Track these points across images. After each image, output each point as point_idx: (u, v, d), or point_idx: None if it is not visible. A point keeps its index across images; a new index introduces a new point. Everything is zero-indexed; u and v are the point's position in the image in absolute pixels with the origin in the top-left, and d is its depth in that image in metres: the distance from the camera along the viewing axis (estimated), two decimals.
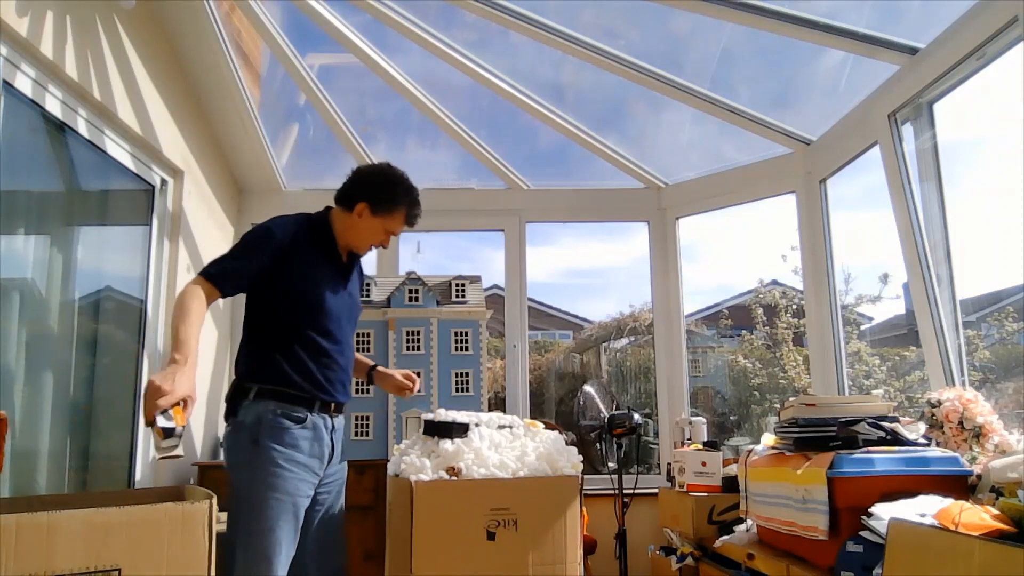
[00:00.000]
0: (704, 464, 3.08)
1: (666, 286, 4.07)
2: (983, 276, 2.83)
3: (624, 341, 6.25)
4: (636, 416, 3.14)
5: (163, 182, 3.20)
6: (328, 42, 3.38)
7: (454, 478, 2.37)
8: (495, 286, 4.79)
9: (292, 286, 2.11)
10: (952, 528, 1.51)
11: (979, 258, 2.82)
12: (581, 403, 3.37)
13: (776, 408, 3.59)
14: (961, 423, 2.24)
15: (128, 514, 1.63)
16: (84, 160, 2.72)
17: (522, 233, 4.11)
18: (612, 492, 3.22)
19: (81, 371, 2.73)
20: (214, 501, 1.73)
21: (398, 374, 2.51)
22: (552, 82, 3.89)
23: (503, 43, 3.65)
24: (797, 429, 2.24)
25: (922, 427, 2.18)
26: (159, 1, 2.96)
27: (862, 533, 1.82)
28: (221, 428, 3.69)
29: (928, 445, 2.09)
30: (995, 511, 1.60)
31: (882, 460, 1.96)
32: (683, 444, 3.44)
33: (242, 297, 2.18)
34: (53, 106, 2.44)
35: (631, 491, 3.23)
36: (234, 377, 2.14)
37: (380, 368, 2.53)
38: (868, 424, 2.10)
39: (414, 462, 2.42)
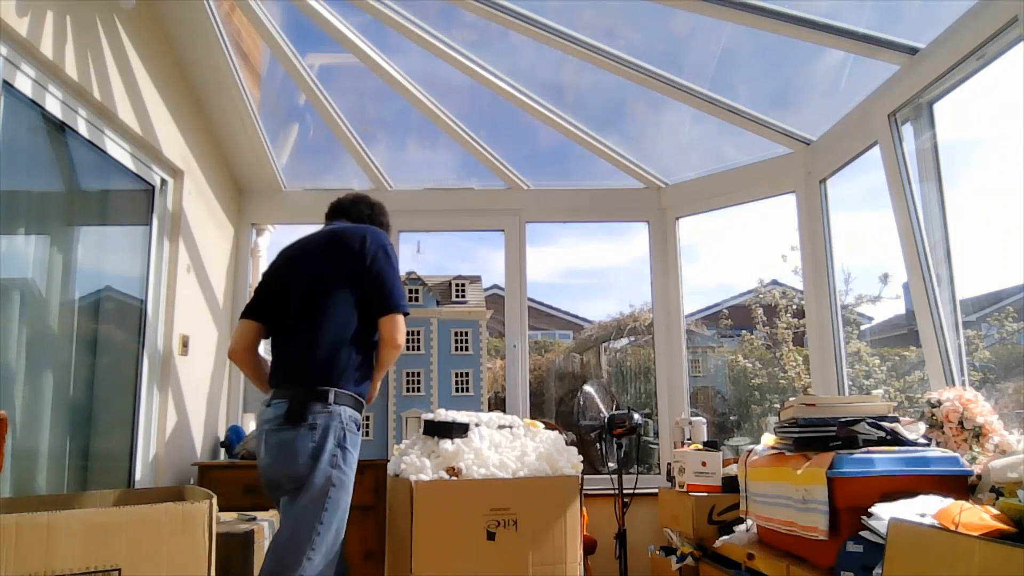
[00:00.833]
0: (704, 464, 3.08)
1: (666, 286, 4.07)
2: (983, 276, 2.83)
3: (624, 341, 6.25)
4: (636, 416, 3.14)
5: (163, 182, 3.20)
6: (328, 42, 3.37)
7: (454, 478, 2.37)
8: (495, 286, 4.80)
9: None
10: (952, 528, 1.51)
11: (979, 258, 2.81)
12: (581, 403, 3.37)
13: (776, 408, 3.59)
14: (961, 423, 2.24)
15: (128, 514, 1.63)
16: (84, 160, 2.72)
17: (522, 233, 4.11)
18: (612, 492, 3.22)
19: (81, 371, 2.73)
20: (214, 501, 1.73)
21: None
22: (552, 82, 3.88)
23: (503, 43, 3.65)
24: (797, 429, 2.24)
25: (922, 427, 2.18)
26: (159, 1, 2.96)
27: (862, 533, 1.82)
28: (222, 428, 3.70)
29: (928, 445, 2.09)
30: (995, 511, 1.60)
31: (882, 460, 1.96)
32: (683, 444, 3.44)
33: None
34: (53, 106, 2.44)
35: (631, 491, 3.23)
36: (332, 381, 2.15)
37: None
38: (868, 424, 2.10)
39: (414, 462, 2.42)
